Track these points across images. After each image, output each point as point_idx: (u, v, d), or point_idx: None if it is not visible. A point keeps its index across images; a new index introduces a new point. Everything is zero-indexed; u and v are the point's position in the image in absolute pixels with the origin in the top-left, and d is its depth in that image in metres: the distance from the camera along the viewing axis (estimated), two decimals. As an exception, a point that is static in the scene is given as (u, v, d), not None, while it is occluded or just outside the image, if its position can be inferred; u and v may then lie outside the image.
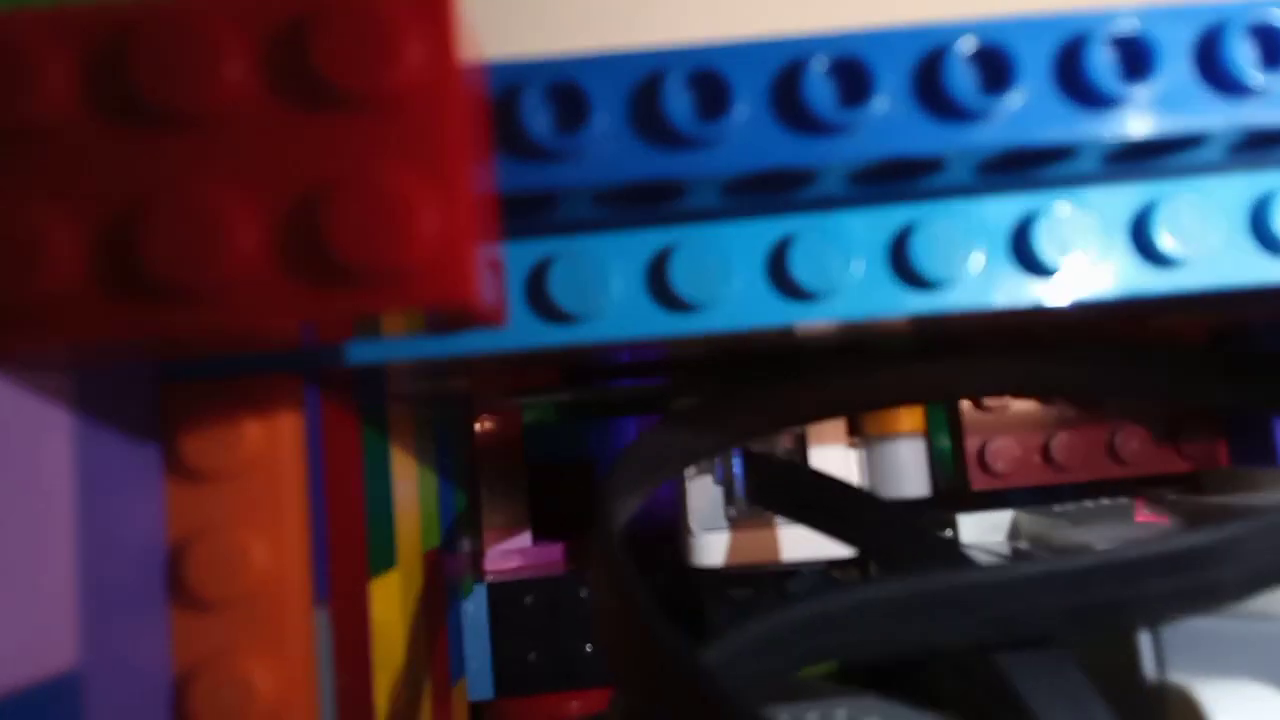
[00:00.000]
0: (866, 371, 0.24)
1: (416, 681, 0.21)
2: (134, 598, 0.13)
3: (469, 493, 0.32)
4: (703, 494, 0.27)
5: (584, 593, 0.30)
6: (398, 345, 0.15)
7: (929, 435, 0.28)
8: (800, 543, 0.27)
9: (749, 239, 0.15)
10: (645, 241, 0.15)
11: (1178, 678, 0.17)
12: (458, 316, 0.11)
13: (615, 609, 0.15)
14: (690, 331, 0.15)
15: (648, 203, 0.14)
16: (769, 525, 0.27)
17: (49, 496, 0.12)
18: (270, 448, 0.14)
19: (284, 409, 0.15)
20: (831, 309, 0.14)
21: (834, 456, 0.27)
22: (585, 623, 0.30)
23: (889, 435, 0.28)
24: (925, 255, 0.14)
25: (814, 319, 0.14)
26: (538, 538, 0.34)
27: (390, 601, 0.20)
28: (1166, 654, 0.18)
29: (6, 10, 0.10)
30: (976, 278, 0.15)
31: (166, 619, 0.14)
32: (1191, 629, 0.17)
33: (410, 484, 0.23)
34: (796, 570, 0.29)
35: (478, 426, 0.34)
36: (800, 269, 0.14)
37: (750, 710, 0.12)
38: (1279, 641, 0.17)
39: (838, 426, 0.27)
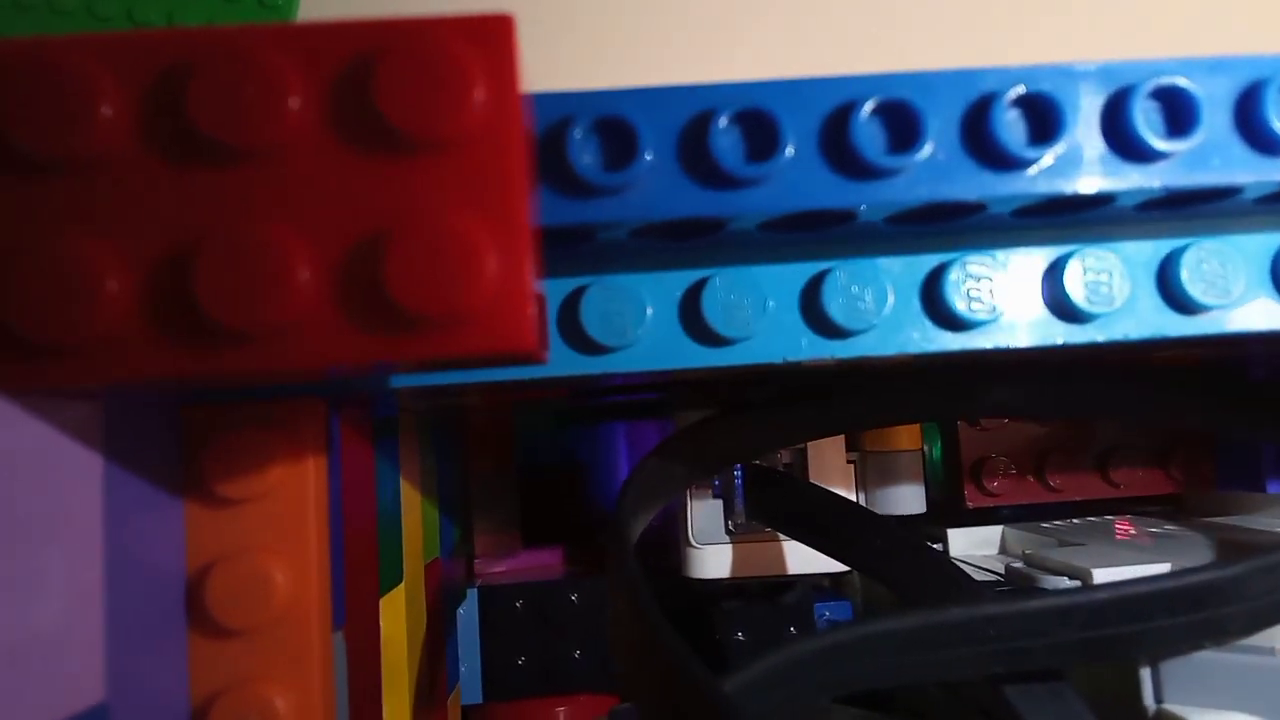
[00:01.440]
0: (868, 392, 0.24)
1: (419, 693, 0.21)
2: (158, 627, 0.13)
3: (463, 500, 0.32)
4: (703, 508, 0.27)
5: (574, 597, 0.30)
6: (434, 374, 0.14)
7: (925, 453, 0.29)
8: (799, 557, 0.27)
9: (783, 274, 0.15)
10: (679, 274, 0.15)
11: (1175, 708, 0.18)
12: (507, 359, 0.11)
13: (636, 634, 0.15)
14: (722, 364, 0.15)
15: (686, 235, 0.14)
16: (768, 539, 0.27)
17: (81, 529, 0.11)
18: (294, 473, 0.14)
19: (308, 433, 0.14)
20: (863, 345, 0.15)
21: (833, 473, 0.27)
22: (575, 628, 0.30)
23: (887, 452, 0.28)
24: (957, 295, 0.14)
25: (847, 355, 0.15)
26: (529, 542, 0.34)
27: (397, 617, 0.20)
28: (1165, 684, 0.18)
29: (61, 36, 0.09)
30: (1006, 318, 0.15)
31: (184, 644, 0.14)
32: (1189, 660, 0.18)
33: (412, 496, 0.22)
34: (790, 583, 0.29)
35: (470, 433, 0.34)
36: (833, 305, 0.14)
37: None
38: (1272, 674, 0.18)
39: (837, 443, 0.27)
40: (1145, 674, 0.18)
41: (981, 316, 0.15)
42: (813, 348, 0.15)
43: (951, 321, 0.15)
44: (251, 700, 0.13)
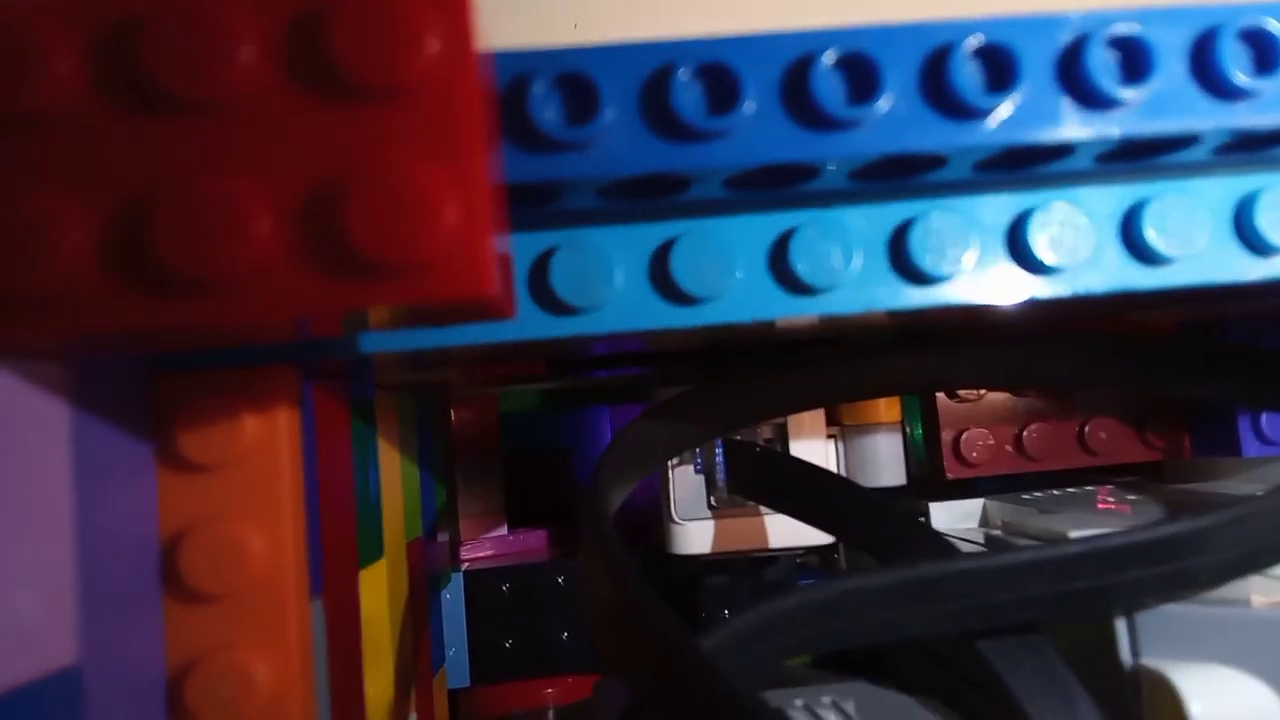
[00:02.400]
0: (848, 363, 0.24)
1: (402, 670, 0.21)
2: (130, 592, 0.13)
3: (447, 481, 0.32)
4: (685, 483, 0.27)
5: (561, 579, 0.30)
6: (403, 336, 0.14)
7: (905, 426, 0.29)
8: (781, 531, 0.27)
9: (751, 232, 0.15)
10: (648, 234, 0.15)
11: (1152, 662, 0.18)
12: (471, 310, 0.11)
13: (610, 596, 0.15)
14: (692, 324, 0.15)
15: (652, 195, 0.14)
16: (750, 514, 0.27)
17: (49, 492, 0.11)
18: (267, 439, 0.14)
19: (281, 400, 0.14)
20: (832, 303, 0.15)
21: (813, 447, 0.27)
22: (562, 610, 0.30)
23: (867, 426, 0.28)
24: (924, 250, 0.15)
25: (815, 312, 0.15)
26: (514, 525, 0.34)
27: (377, 592, 0.20)
28: (1142, 639, 0.18)
29: (11, -9, 0.09)
30: (972, 273, 0.15)
31: (160, 611, 0.14)
32: (1165, 615, 0.18)
33: (394, 473, 0.22)
34: (774, 557, 0.29)
35: (454, 415, 0.34)
36: (801, 263, 0.14)
37: (748, 693, 0.12)
38: (1248, 626, 0.18)
39: (817, 417, 0.27)
40: (1121, 630, 0.18)
41: (946, 271, 0.15)
42: (781, 306, 0.15)
43: (918, 277, 0.15)
44: (228, 666, 0.14)
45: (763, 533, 0.27)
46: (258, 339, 0.11)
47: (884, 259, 0.15)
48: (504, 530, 0.34)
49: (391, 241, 0.10)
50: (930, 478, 0.29)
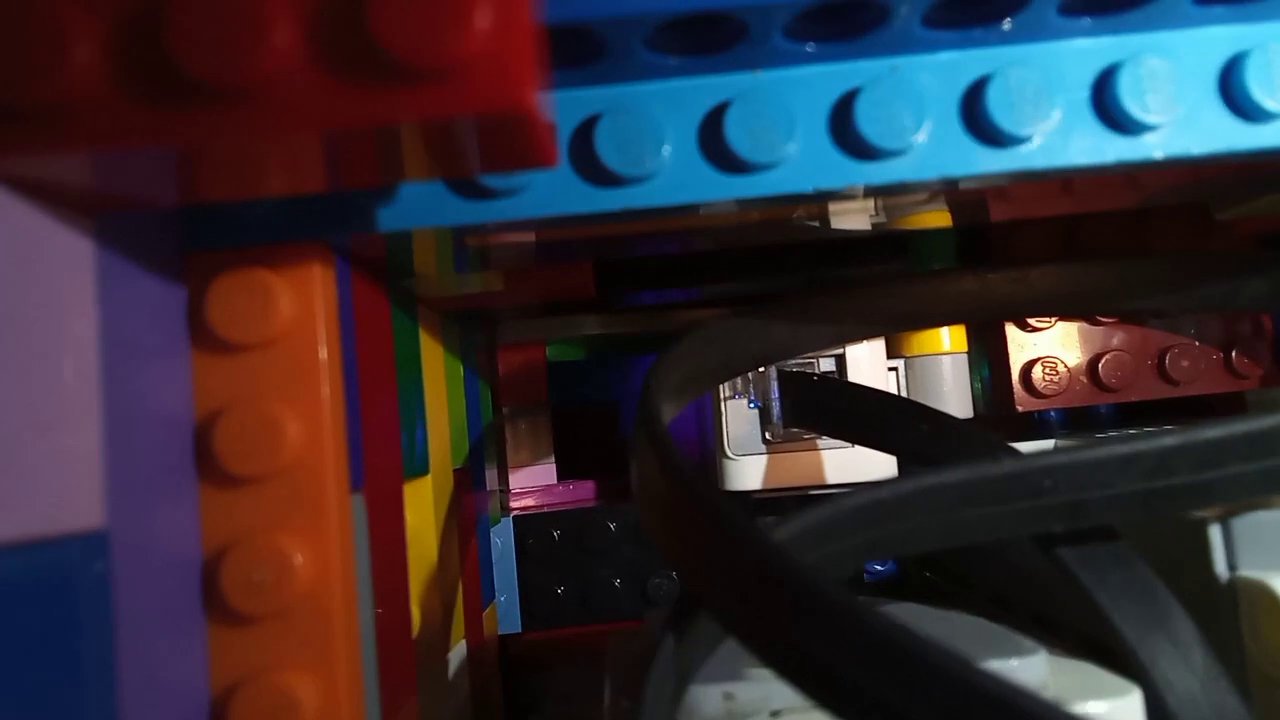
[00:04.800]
0: (910, 287, 0.23)
1: (448, 592, 0.21)
2: (163, 467, 0.13)
3: (495, 431, 0.31)
4: (739, 417, 0.26)
5: (613, 525, 0.29)
6: (431, 209, 0.14)
7: (971, 355, 0.27)
8: (836, 466, 0.26)
9: (812, 91, 0.14)
10: (699, 94, 0.14)
11: (1251, 572, 0.17)
12: (508, 134, 0.10)
13: (665, 486, 0.14)
14: (748, 195, 0.14)
15: (705, 46, 0.13)
16: (806, 448, 0.26)
17: (75, 356, 0.11)
18: (303, 317, 0.14)
19: (316, 277, 0.14)
20: (902, 169, 0.14)
21: (874, 378, 0.26)
22: (614, 555, 0.29)
23: (930, 355, 0.27)
24: (1002, 110, 0.13)
25: (883, 180, 0.14)
26: (563, 478, 0.34)
27: (423, 508, 0.19)
28: (1238, 547, 0.17)
29: None
30: (1055, 133, 0.14)
31: (195, 492, 0.13)
32: (1264, 521, 0.17)
33: (439, 399, 0.22)
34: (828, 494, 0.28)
35: (502, 362, 0.33)
36: (867, 124, 0.13)
37: (808, 569, 0.11)
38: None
39: (876, 349, 0.26)
40: (1216, 539, 0.17)
41: (1027, 132, 0.13)
42: (846, 173, 0.14)
43: (996, 138, 0.13)
44: (265, 550, 0.13)
45: (819, 468, 0.26)
46: (283, 166, 0.11)
47: (957, 119, 0.14)
48: (553, 480, 0.33)
49: (420, 42, 0.09)
50: (999, 413, 0.27)
